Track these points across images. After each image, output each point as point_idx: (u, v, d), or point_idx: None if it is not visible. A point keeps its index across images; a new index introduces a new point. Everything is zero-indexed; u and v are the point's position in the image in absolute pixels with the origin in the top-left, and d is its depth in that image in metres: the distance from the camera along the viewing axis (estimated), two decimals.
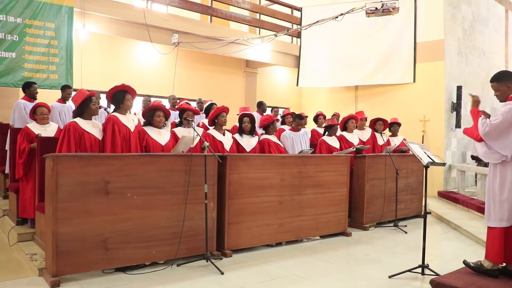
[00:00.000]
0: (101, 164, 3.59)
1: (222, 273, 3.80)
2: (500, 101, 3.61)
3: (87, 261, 3.50)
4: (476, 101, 3.74)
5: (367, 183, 5.97)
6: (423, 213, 4.07)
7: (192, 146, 4.34)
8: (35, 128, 4.84)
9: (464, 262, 3.65)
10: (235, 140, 5.26)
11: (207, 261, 4.03)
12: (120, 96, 4.26)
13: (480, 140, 3.55)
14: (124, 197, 3.70)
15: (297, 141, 6.10)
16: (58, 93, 7.21)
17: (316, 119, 7.85)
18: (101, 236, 3.57)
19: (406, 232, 5.82)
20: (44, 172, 3.68)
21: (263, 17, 10.64)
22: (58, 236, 3.36)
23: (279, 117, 7.86)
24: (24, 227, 4.71)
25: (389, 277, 3.86)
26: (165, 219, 3.94)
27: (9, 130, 5.70)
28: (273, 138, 5.60)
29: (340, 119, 7.65)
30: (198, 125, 5.82)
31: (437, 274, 3.74)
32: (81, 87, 7.27)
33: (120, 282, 3.53)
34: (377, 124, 7.06)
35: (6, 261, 4.06)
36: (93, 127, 4.15)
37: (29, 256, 3.94)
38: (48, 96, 6.77)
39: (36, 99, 6.14)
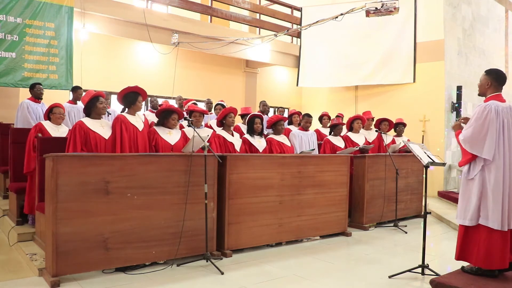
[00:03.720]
0: (101, 164, 3.59)
1: (222, 273, 3.80)
2: (478, 94, 3.68)
3: (87, 261, 3.50)
4: (456, 125, 3.72)
5: (367, 183, 5.97)
6: (423, 213, 4.07)
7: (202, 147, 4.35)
8: (49, 126, 4.90)
9: (462, 268, 3.65)
10: (246, 140, 5.25)
11: (207, 261, 4.03)
12: (132, 97, 4.34)
13: (470, 158, 3.49)
14: (124, 197, 3.70)
15: (305, 141, 6.12)
16: (58, 93, 7.24)
17: (320, 119, 7.84)
18: (101, 236, 3.57)
19: (406, 232, 5.83)
20: (44, 172, 3.68)
21: (263, 17, 10.64)
22: (58, 236, 3.36)
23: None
24: (24, 227, 4.70)
25: (389, 277, 3.86)
26: (165, 219, 3.94)
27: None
28: (276, 137, 5.59)
29: (345, 119, 7.66)
30: (205, 126, 5.85)
31: (437, 274, 3.74)
32: (81, 87, 7.29)
33: (120, 282, 3.53)
34: (383, 125, 7.00)
35: (6, 261, 4.06)
36: (100, 126, 4.21)
37: (29, 256, 3.94)
38: (48, 96, 6.77)
39: (41, 99, 6.26)
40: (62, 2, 7.25)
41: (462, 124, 3.72)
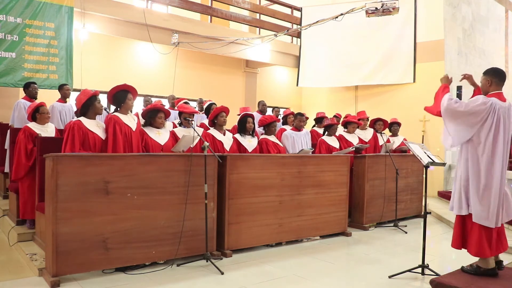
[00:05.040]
0: (101, 164, 3.59)
1: (222, 273, 3.80)
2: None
3: (87, 261, 3.50)
4: (446, 78, 3.77)
5: (367, 183, 5.97)
6: (423, 213, 4.07)
7: (192, 146, 4.35)
8: (36, 128, 4.81)
9: (462, 268, 3.65)
10: (236, 140, 5.24)
11: (207, 261, 4.03)
12: (121, 96, 4.27)
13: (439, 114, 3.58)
14: (124, 197, 3.70)
15: (298, 141, 6.10)
16: (55, 93, 7.24)
17: (321, 120, 7.82)
18: (101, 236, 3.57)
19: (406, 232, 5.83)
20: (44, 172, 3.68)
21: (263, 17, 10.65)
22: (58, 236, 3.36)
23: (280, 117, 7.85)
24: (24, 227, 4.70)
25: (389, 277, 3.86)
26: (165, 219, 3.94)
27: (8, 130, 5.70)
28: (271, 138, 5.58)
29: (342, 119, 7.67)
30: (198, 125, 5.82)
31: (437, 274, 3.74)
32: (81, 87, 7.30)
33: (120, 282, 3.53)
34: (377, 124, 7.06)
35: (6, 261, 4.06)
36: (97, 126, 4.17)
37: (29, 256, 3.94)
38: (48, 96, 6.78)
39: (36, 98, 6.18)
40: (62, 2, 7.26)
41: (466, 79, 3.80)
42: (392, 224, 6.13)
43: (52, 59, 7.23)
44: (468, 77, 3.83)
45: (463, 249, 3.61)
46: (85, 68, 7.93)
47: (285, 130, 6.47)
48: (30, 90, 6.10)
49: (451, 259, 4.66)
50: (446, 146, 3.61)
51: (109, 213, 3.61)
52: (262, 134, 5.72)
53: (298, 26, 10.58)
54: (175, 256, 3.98)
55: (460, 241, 3.58)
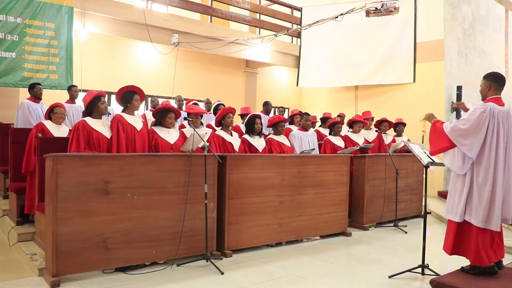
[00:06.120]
0: (101, 164, 3.59)
1: (222, 273, 3.80)
2: (481, 100, 3.69)
3: (87, 261, 3.50)
4: (430, 116, 3.85)
5: (367, 183, 5.97)
6: (423, 213, 4.07)
7: (199, 146, 4.36)
8: (50, 126, 4.92)
9: (462, 268, 3.65)
10: (245, 140, 5.26)
11: (207, 261, 4.03)
12: (128, 96, 4.33)
13: (447, 148, 3.56)
14: (124, 197, 3.70)
15: (305, 141, 6.12)
16: (58, 93, 7.25)
17: (325, 120, 7.81)
18: (101, 236, 3.57)
19: (406, 232, 5.83)
20: (44, 172, 3.68)
21: (263, 17, 10.65)
22: (58, 236, 3.36)
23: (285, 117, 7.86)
24: (24, 227, 4.70)
25: (389, 277, 3.86)
26: (165, 219, 3.94)
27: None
28: (276, 137, 5.60)
29: (346, 119, 7.66)
30: (207, 126, 5.85)
31: (437, 274, 3.74)
32: (81, 87, 7.32)
33: (120, 282, 3.53)
34: (382, 125, 7.02)
35: (6, 261, 4.06)
36: (102, 126, 4.23)
37: (29, 256, 3.94)
38: (48, 96, 6.77)
39: (41, 99, 6.29)
40: (62, 2, 7.25)
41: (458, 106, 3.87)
42: (392, 224, 6.13)
43: (52, 59, 7.23)
44: (459, 105, 3.86)
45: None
46: (85, 68, 7.93)
47: (291, 130, 6.49)
48: (35, 91, 6.20)
49: (451, 259, 4.65)
50: (457, 171, 3.56)
51: (109, 213, 3.61)
52: (269, 134, 5.75)
53: (298, 26, 10.58)
54: (175, 256, 3.98)
55: (452, 246, 3.59)
